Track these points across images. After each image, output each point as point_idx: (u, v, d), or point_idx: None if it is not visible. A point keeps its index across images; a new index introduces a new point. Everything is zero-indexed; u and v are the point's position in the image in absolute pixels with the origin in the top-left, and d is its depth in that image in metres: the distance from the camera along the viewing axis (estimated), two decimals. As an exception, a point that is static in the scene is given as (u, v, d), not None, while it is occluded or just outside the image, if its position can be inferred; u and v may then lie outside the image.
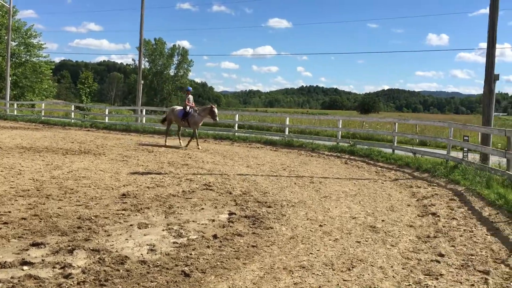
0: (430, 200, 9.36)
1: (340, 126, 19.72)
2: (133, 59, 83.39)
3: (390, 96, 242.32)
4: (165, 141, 18.49)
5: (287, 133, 20.90)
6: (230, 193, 9.17)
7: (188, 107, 18.01)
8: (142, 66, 35.21)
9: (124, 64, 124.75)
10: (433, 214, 8.14)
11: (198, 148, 17.33)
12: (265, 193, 9.38)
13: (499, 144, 14.94)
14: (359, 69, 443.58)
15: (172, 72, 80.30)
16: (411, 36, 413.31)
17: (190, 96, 18.47)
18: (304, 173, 12.57)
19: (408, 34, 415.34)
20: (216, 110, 17.62)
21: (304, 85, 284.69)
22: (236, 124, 22.56)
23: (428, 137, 19.54)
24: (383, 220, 7.58)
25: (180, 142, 18.42)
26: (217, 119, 17.91)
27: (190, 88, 19.26)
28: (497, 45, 13.54)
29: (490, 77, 13.32)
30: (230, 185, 10.11)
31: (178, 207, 7.75)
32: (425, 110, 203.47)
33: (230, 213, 7.51)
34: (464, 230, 7.04)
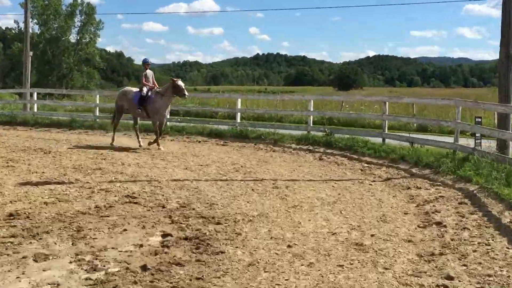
0: (434, 205, 9.68)
1: (312, 109, 19.95)
2: (15, 21, 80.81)
3: (377, 65, 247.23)
4: (112, 139, 17.52)
5: (239, 120, 20.99)
6: (163, 207, 9.17)
7: (145, 89, 16.73)
8: (30, 31, 34.36)
9: (3, 28, 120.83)
10: (438, 223, 8.43)
11: (159, 149, 16.51)
12: (211, 205, 9.43)
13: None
14: (334, 30, 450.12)
15: (73, 38, 78.69)
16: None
17: (149, 72, 17.19)
18: (264, 175, 12.70)
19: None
20: (181, 83, 16.42)
21: (260, 53, 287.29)
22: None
23: (429, 120, 20.09)
24: (372, 235, 7.79)
25: (139, 141, 17.42)
26: (186, 94, 16.83)
27: (148, 60, 17.84)
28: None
29: (508, 38, 13.40)
30: (163, 195, 10.11)
31: (90, 229, 7.68)
32: (424, 84, 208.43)
33: (165, 235, 7.52)
34: (479, 243, 7.33)
